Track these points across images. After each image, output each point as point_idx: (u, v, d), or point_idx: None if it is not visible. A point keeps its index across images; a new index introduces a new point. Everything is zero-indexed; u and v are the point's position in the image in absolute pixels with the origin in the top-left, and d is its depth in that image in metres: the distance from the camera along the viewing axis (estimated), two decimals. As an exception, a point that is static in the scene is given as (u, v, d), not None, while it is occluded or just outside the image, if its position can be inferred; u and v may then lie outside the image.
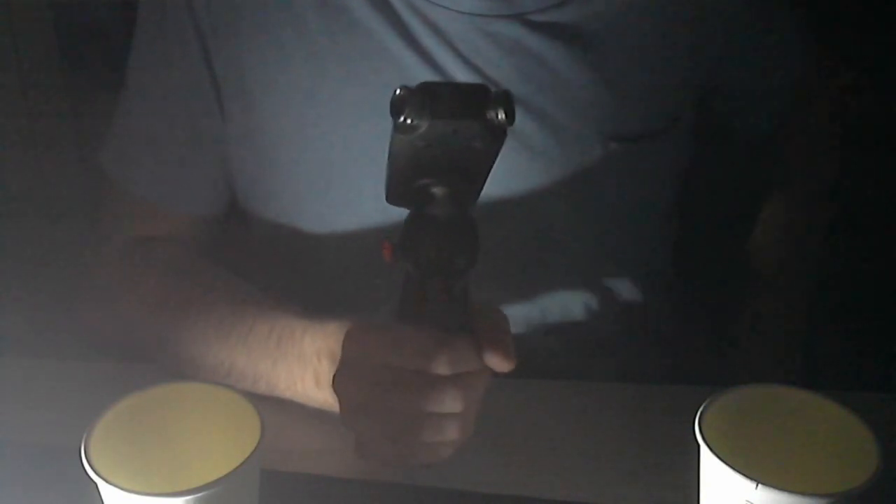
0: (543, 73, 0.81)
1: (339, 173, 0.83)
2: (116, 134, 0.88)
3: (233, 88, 0.83)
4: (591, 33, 0.82)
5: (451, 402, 0.61)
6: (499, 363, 0.61)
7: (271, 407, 0.71)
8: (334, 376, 0.64)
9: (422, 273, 0.59)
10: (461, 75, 0.80)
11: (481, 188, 0.59)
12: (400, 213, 0.61)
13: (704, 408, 0.57)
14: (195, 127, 0.85)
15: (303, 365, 0.71)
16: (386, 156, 0.58)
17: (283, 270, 0.91)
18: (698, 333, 1.03)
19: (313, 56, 0.80)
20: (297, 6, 0.80)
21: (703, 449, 0.55)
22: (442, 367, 0.60)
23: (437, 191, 0.57)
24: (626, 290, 0.92)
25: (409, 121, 0.53)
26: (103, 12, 1.54)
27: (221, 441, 0.57)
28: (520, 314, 0.89)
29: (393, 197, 0.60)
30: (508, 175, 0.82)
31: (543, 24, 0.81)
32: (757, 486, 0.52)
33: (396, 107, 0.53)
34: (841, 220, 1.51)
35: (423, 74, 0.80)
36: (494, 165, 0.58)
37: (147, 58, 0.86)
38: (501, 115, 0.53)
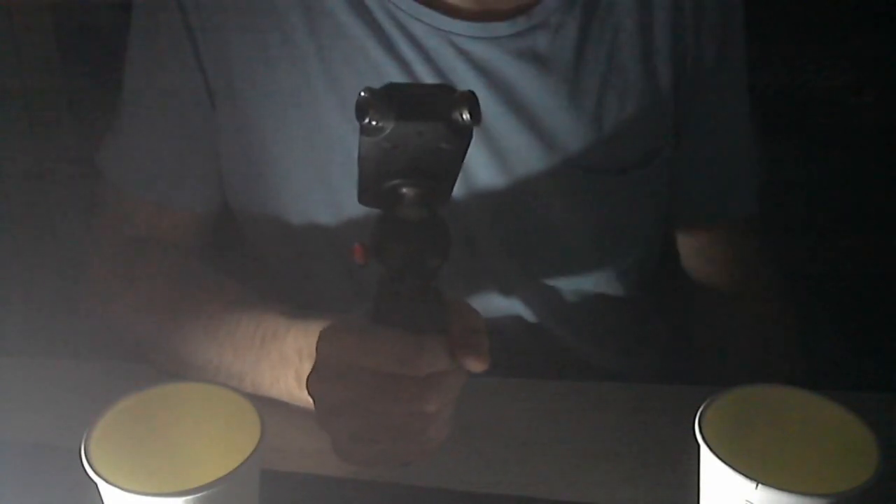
0: (514, 96, 0.82)
1: (321, 173, 0.84)
2: (112, 134, 0.89)
3: (222, 88, 0.84)
4: (562, 62, 0.83)
5: (425, 403, 0.61)
6: (473, 363, 0.61)
7: (271, 407, 0.72)
8: (308, 377, 0.64)
9: (394, 274, 0.59)
10: None
11: (452, 187, 0.59)
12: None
13: (704, 408, 0.57)
14: (189, 125, 0.86)
15: (285, 364, 0.72)
16: None
17: (269, 268, 0.92)
18: (693, 334, 1.03)
19: (298, 59, 0.82)
20: (283, 10, 0.81)
21: (703, 449, 0.55)
22: (415, 369, 0.60)
23: (407, 191, 0.57)
24: (611, 289, 0.93)
25: (373, 122, 0.53)
26: (103, 13, 1.54)
27: (221, 441, 0.57)
28: (503, 313, 0.90)
29: (364, 198, 0.60)
30: (480, 186, 0.83)
31: (515, 49, 0.82)
32: (757, 486, 0.52)
33: (361, 109, 0.53)
34: (840, 220, 1.51)
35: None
36: (469, 178, 0.58)
37: (141, 58, 0.87)
38: (466, 116, 0.53)
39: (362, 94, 0.53)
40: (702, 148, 0.91)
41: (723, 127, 0.92)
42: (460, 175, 0.58)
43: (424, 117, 0.54)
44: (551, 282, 0.90)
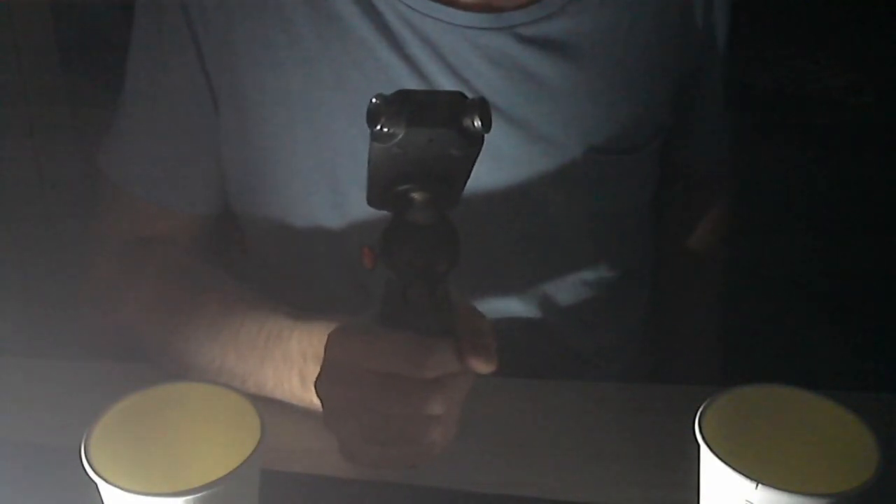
0: (531, 85, 0.82)
1: (327, 175, 0.83)
2: (115, 135, 0.89)
3: (226, 90, 0.84)
4: (578, 47, 0.83)
5: (432, 406, 0.61)
6: (481, 366, 0.61)
7: (271, 407, 0.71)
8: (317, 379, 0.64)
9: (403, 277, 0.59)
10: (448, 85, 0.81)
11: (461, 191, 0.59)
12: (387, 216, 0.61)
13: (704, 408, 0.57)
14: (192, 127, 0.85)
15: (289, 365, 0.72)
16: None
17: (272, 270, 0.92)
18: (694, 333, 1.03)
19: (305, 61, 0.81)
20: (289, 12, 0.81)
21: (703, 449, 0.55)
22: (424, 372, 0.60)
23: (417, 196, 0.57)
24: (610, 289, 0.93)
25: (385, 129, 0.53)
26: (103, 13, 1.54)
27: (221, 441, 0.57)
28: (507, 313, 0.90)
29: (373, 201, 0.60)
30: (492, 185, 0.83)
31: (532, 37, 0.82)
32: (757, 486, 0.52)
33: (373, 115, 0.53)
34: (840, 220, 1.51)
35: (411, 83, 0.80)
36: (483, 176, 0.58)
37: (144, 60, 0.86)
38: (477, 123, 0.53)
39: (374, 100, 0.53)
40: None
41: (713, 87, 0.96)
42: (476, 167, 0.58)
43: (436, 124, 0.54)
44: (555, 277, 0.90)
